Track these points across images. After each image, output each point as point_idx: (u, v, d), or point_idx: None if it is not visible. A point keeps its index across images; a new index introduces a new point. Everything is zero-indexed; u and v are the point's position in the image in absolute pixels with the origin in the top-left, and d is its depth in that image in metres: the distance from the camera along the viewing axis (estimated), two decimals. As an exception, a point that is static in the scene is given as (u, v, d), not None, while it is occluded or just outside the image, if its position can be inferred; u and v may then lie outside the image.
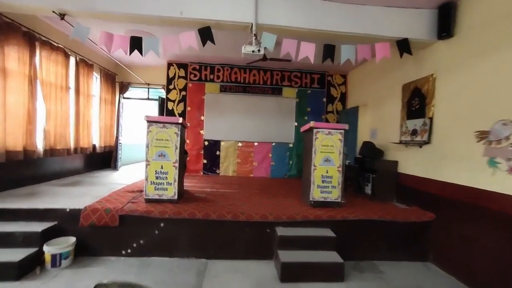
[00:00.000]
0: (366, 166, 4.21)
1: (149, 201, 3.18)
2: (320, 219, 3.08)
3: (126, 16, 3.09)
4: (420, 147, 3.48)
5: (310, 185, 3.35)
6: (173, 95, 6.13)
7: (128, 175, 5.50)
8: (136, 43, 3.19)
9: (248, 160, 6.20)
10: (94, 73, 5.53)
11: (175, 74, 6.12)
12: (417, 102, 3.60)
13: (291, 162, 6.28)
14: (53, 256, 2.48)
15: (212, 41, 3.17)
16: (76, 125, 4.79)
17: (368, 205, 3.59)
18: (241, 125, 6.17)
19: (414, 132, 3.59)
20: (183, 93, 6.13)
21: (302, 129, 3.78)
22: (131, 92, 6.89)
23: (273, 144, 6.24)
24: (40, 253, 2.51)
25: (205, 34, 3.17)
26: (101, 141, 5.77)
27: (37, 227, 2.62)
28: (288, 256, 2.73)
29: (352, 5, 3.15)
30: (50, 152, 4.07)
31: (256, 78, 6.19)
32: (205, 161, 6.15)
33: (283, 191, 4.48)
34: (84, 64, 5.05)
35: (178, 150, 3.25)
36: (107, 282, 2.32)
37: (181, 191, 3.63)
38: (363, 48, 3.16)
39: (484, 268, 2.54)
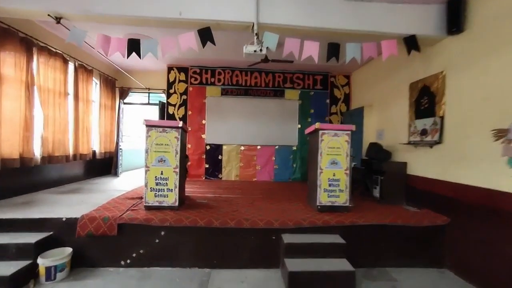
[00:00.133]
0: (373, 168, 4.06)
1: (149, 208, 3.06)
2: (328, 225, 2.93)
3: (123, 18, 3.01)
4: (431, 147, 3.33)
5: (317, 189, 3.21)
6: (174, 99, 6.05)
7: (129, 181, 5.39)
8: (134, 46, 3.10)
9: (251, 164, 6.07)
10: (94, 78, 5.47)
11: (175, 78, 6.05)
12: (426, 101, 3.46)
13: (295, 165, 6.14)
14: (48, 269, 2.35)
15: (213, 42, 3.08)
16: (75, 131, 4.70)
17: (377, 209, 3.45)
18: (243, 129, 6.06)
19: (423, 132, 3.45)
20: (184, 97, 6.05)
21: (307, 131, 3.65)
22: (131, 97, 6.84)
23: (276, 147, 6.11)
24: (34, 265, 2.38)
25: (205, 35, 3.07)
26: (101, 147, 5.68)
27: (31, 238, 2.49)
28: (295, 264, 2.58)
29: (356, 1, 3.05)
30: (48, 159, 3.97)
31: (257, 81, 6.10)
32: (207, 166, 6.03)
33: (288, 195, 4.34)
34: (83, 70, 4.99)
35: (178, 155, 3.13)
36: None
37: (182, 197, 3.50)
38: (369, 46, 3.05)
39: (504, 274, 2.37)
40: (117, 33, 3.65)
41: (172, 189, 3.09)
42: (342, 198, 3.25)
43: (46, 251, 2.47)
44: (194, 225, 2.79)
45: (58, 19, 2.88)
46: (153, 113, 6.71)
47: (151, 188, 3.07)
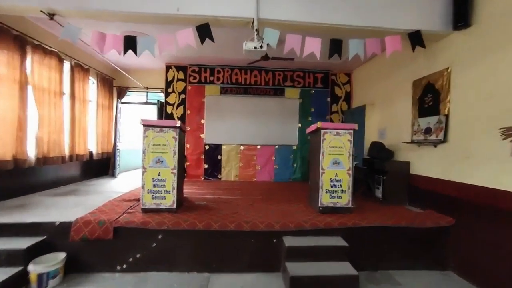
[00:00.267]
0: (376, 168, 3.98)
1: (146, 211, 2.97)
2: (330, 227, 2.85)
3: (119, 14, 2.92)
4: (435, 146, 3.25)
5: (319, 190, 3.13)
6: (172, 98, 5.95)
7: (127, 182, 5.30)
8: (130, 43, 3.01)
9: (250, 164, 5.99)
10: (91, 77, 5.37)
11: (174, 77, 5.95)
12: (430, 98, 3.37)
13: (295, 165, 6.06)
14: (39, 276, 2.26)
15: (211, 39, 2.99)
16: (72, 131, 4.61)
17: (379, 210, 3.37)
18: (242, 128, 5.97)
19: (427, 131, 3.36)
20: (183, 96, 5.96)
21: (308, 130, 3.57)
22: (129, 96, 6.74)
23: (276, 146, 6.02)
24: (25, 272, 2.29)
25: (204, 31, 2.98)
26: (98, 148, 5.58)
27: (23, 243, 2.40)
28: (297, 268, 2.50)
29: (359, -4, 2.95)
30: (43, 160, 3.88)
31: (257, 79, 6.00)
32: (206, 166, 5.94)
33: (289, 196, 4.26)
34: (80, 69, 4.89)
35: (176, 156, 3.04)
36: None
37: (181, 199, 3.41)
38: (372, 42, 2.96)
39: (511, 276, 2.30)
40: (113, 31, 3.53)
41: (170, 191, 3.00)
42: (345, 199, 3.17)
43: (38, 256, 2.38)
44: (192, 228, 2.70)
45: (51, 16, 2.78)
46: (152, 113, 6.62)
47: (148, 190, 2.99)
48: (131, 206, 3.18)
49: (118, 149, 6.09)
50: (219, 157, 5.95)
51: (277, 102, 6.04)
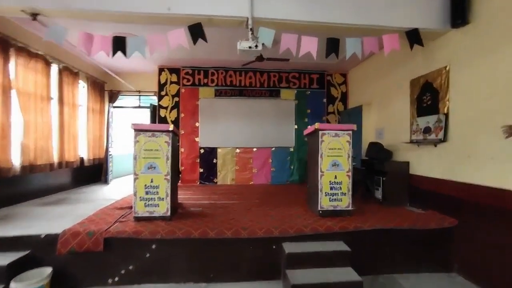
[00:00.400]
0: (375, 169, 3.91)
1: (139, 219, 2.83)
2: (331, 231, 2.76)
3: (107, 14, 2.79)
4: (435, 145, 3.20)
5: (318, 193, 3.04)
6: (166, 101, 5.81)
7: (120, 188, 5.13)
8: (119, 44, 2.89)
9: (247, 167, 5.87)
10: (81, 81, 5.20)
11: (166, 79, 5.82)
12: (428, 97, 3.33)
13: (292, 167, 5.97)
14: (23, 294, 2.10)
15: (204, 39, 2.89)
16: (61, 137, 4.43)
17: (380, 211, 3.30)
18: (238, 131, 5.86)
19: (426, 130, 3.31)
20: (176, 99, 5.82)
21: (306, 132, 3.48)
22: (121, 100, 6.57)
23: (273, 149, 5.93)
24: (7, 291, 2.13)
25: (196, 31, 2.88)
26: (89, 154, 5.40)
27: (4, 259, 2.22)
28: (298, 276, 2.39)
29: (356, -6, 2.89)
30: (30, 168, 3.69)
31: (252, 81, 5.91)
32: (201, 170, 5.80)
33: (287, 199, 4.16)
34: (69, 72, 4.72)
35: (170, 161, 2.91)
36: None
37: (175, 205, 3.28)
38: (370, 41, 2.89)
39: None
40: (101, 32, 3.42)
41: (163, 198, 2.87)
42: (345, 202, 3.08)
43: (22, 273, 2.21)
44: (187, 237, 2.57)
45: (34, 16, 2.63)
46: (145, 117, 6.46)
47: (140, 197, 2.85)
48: (123, 215, 3.04)
49: (110, 155, 5.91)
50: (214, 161, 5.82)
51: (272, 103, 5.95)
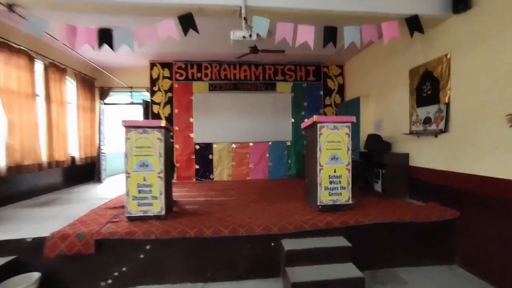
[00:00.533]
0: (374, 161, 3.84)
1: (132, 219, 2.72)
2: (331, 227, 2.68)
3: (91, 4, 2.63)
4: (436, 136, 3.12)
5: (317, 187, 2.96)
6: (158, 97, 5.64)
7: (114, 187, 5.00)
8: (105, 36, 2.73)
9: (243, 162, 5.77)
10: (69, 78, 5.00)
11: (159, 74, 5.64)
12: (428, 87, 3.24)
13: (289, 161, 5.88)
14: (9, 302, 2.00)
15: (196, 30, 2.75)
16: (49, 136, 4.27)
17: (380, 204, 3.25)
18: (234, 125, 5.73)
19: (427, 121, 3.23)
20: (169, 94, 5.66)
21: (304, 125, 3.38)
22: (112, 97, 6.38)
23: (270, 143, 5.82)
24: (-8, 299, 2.02)
25: (187, 22, 2.74)
26: (81, 152, 5.25)
27: (-12, 265, 2.12)
28: (298, 274, 2.32)
29: (353, -20, 2.75)
30: (16, 168, 3.53)
31: (247, 74, 5.76)
32: (197, 167, 5.68)
33: (284, 194, 4.08)
34: (55, 69, 4.53)
35: (163, 158, 2.79)
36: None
37: (170, 203, 3.18)
38: (369, 29, 2.77)
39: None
40: (85, 25, 3.25)
41: (157, 197, 2.76)
42: (344, 196, 3.01)
43: (8, 279, 2.10)
44: (183, 236, 2.48)
45: (9, 7, 2.45)
46: (138, 113, 6.29)
47: (133, 196, 2.74)
48: (116, 215, 2.92)
49: (103, 153, 5.75)
50: (210, 157, 5.71)
51: (268, 97, 5.82)
